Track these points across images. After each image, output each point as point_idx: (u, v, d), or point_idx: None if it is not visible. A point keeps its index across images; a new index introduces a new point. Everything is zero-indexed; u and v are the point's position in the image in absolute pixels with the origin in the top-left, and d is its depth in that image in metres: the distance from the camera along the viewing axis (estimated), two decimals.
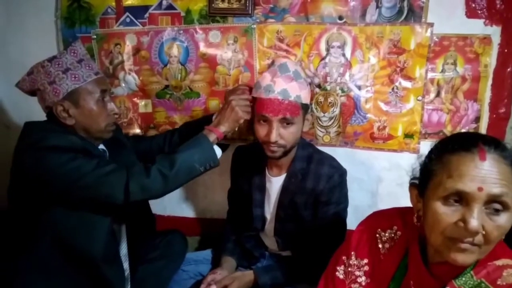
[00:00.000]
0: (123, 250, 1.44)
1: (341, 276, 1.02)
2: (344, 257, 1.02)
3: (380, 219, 1.01)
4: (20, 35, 1.95)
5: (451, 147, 0.81)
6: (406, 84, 1.68)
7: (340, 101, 1.74)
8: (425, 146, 1.67)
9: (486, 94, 1.65)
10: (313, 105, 1.76)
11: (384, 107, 1.72)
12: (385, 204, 1.70)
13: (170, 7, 1.81)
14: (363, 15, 1.67)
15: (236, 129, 1.50)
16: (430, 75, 1.66)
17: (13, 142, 1.28)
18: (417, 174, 0.90)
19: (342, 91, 1.73)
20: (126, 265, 1.44)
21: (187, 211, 2.07)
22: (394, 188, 1.78)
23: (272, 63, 1.39)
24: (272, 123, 1.30)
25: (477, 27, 1.59)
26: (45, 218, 1.25)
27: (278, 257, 1.61)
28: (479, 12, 1.58)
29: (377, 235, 0.99)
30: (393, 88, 1.69)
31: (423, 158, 0.89)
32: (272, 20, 1.74)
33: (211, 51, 1.81)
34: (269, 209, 1.52)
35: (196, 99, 1.88)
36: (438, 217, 0.79)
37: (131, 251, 1.47)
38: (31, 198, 1.23)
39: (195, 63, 1.83)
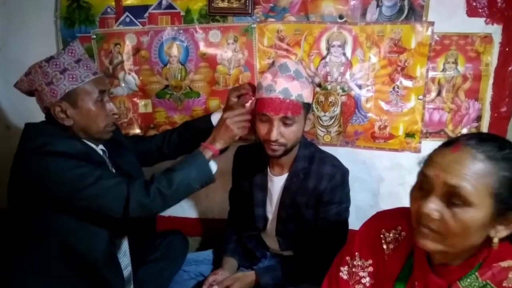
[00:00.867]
0: (124, 251, 1.43)
1: (345, 277, 1.01)
2: (348, 258, 1.02)
3: (384, 219, 1.01)
4: (19, 35, 1.94)
5: (439, 146, 0.84)
6: (407, 83, 1.68)
7: (340, 101, 1.74)
8: (426, 145, 1.70)
9: (487, 93, 1.65)
10: (313, 105, 1.75)
11: (385, 106, 1.72)
12: (386, 204, 1.71)
13: (169, 6, 1.80)
14: (364, 14, 1.67)
15: None
16: (431, 74, 1.66)
17: (13, 143, 1.27)
18: None
19: (343, 90, 1.73)
20: (127, 267, 1.43)
21: (188, 212, 2.06)
22: (395, 188, 1.78)
23: (273, 63, 1.39)
24: (273, 121, 1.30)
25: (478, 25, 1.59)
26: (45, 221, 1.24)
27: (279, 257, 1.61)
28: (480, 10, 1.58)
29: (381, 236, 0.98)
30: (394, 87, 1.69)
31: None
32: (272, 20, 1.74)
33: (211, 50, 1.80)
34: (271, 209, 1.52)
35: (196, 98, 1.87)
36: (411, 201, 0.85)
37: (132, 252, 1.46)
38: (32, 201, 1.23)
39: (195, 63, 1.82)
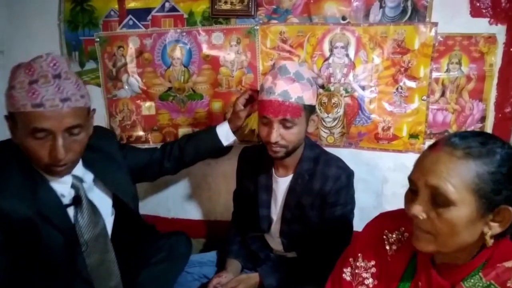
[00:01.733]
0: None
1: (348, 278, 1.01)
2: (351, 259, 1.02)
3: (387, 220, 1.00)
4: (23, 38, 1.95)
5: (425, 149, 0.86)
6: (411, 84, 1.67)
7: (344, 102, 1.74)
8: None
9: (492, 94, 1.64)
10: (317, 106, 1.75)
11: (388, 107, 1.71)
12: (390, 205, 1.70)
13: (172, 9, 1.81)
14: (367, 15, 1.66)
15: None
16: (435, 74, 1.65)
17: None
18: None
19: (346, 91, 1.73)
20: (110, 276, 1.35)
21: (191, 213, 2.06)
22: (399, 189, 1.76)
23: (273, 66, 1.39)
24: (272, 123, 1.30)
25: (481, 26, 1.58)
26: None
27: (283, 258, 1.60)
28: (484, 11, 1.57)
29: (384, 237, 0.98)
30: (397, 88, 1.69)
31: None
32: (275, 21, 1.74)
33: (214, 52, 1.81)
34: (275, 210, 1.52)
35: (199, 101, 1.88)
36: (404, 204, 0.87)
37: (126, 258, 1.39)
38: None
39: (198, 65, 1.83)
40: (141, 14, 1.83)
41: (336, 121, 1.77)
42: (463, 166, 0.75)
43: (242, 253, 1.60)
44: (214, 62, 1.82)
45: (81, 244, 1.21)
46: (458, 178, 0.75)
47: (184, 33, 1.81)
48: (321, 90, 1.74)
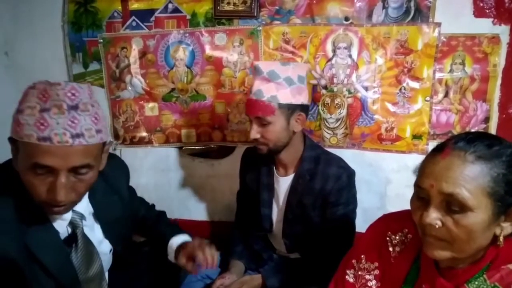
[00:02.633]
0: None
1: (351, 280, 1.01)
2: (354, 261, 1.01)
3: (390, 222, 1.00)
4: (27, 40, 1.96)
5: (429, 154, 0.83)
6: (414, 84, 1.67)
7: (347, 103, 1.74)
8: None
9: (495, 94, 1.63)
10: (319, 107, 1.75)
11: (391, 108, 1.71)
12: (394, 206, 1.69)
13: (175, 10, 1.81)
14: (370, 15, 1.66)
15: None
16: (438, 75, 1.65)
17: None
18: None
19: (349, 92, 1.72)
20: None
21: (194, 214, 2.06)
22: (402, 190, 1.76)
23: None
24: (252, 122, 1.37)
25: (485, 26, 1.58)
26: None
27: (286, 259, 1.60)
28: (487, 11, 1.57)
29: (388, 238, 0.97)
30: (400, 89, 1.68)
31: None
32: (278, 22, 1.74)
33: (217, 53, 1.81)
34: (277, 209, 1.52)
35: (202, 101, 1.88)
36: (412, 212, 0.84)
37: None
38: None
39: (201, 66, 1.83)
40: (144, 15, 1.84)
41: (339, 122, 1.76)
42: (477, 170, 0.74)
43: (245, 254, 1.60)
44: (217, 63, 1.82)
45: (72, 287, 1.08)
46: (474, 182, 0.73)
47: (187, 34, 1.81)
48: (324, 91, 1.74)
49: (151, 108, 1.94)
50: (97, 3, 1.86)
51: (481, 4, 1.57)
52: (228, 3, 1.75)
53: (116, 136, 1.98)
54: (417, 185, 0.81)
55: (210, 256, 1.17)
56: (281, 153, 1.42)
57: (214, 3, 1.76)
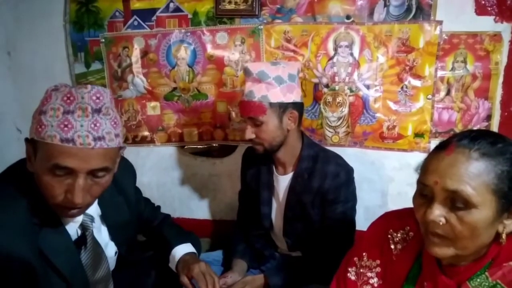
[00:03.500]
0: None
1: (353, 278, 1.01)
2: (355, 258, 1.01)
3: (392, 219, 1.00)
4: (29, 39, 1.97)
5: (432, 151, 0.83)
6: (416, 82, 1.67)
7: (348, 101, 1.74)
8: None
9: (497, 92, 1.63)
10: (321, 105, 1.76)
11: (393, 106, 1.71)
12: (396, 204, 1.69)
13: (177, 9, 1.81)
14: (371, 14, 1.66)
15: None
16: (440, 73, 1.65)
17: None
18: None
19: (351, 90, 1.72)
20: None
21: (196, 213, 2.07)
22: (404, 188, 1.76)
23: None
24: (246, 122, 1.39)
25: (487, 24, 1.58)
26: None
27: (288, 257, 1.61)
28: (489, 8, 1.57)
29: (389, 236, 0.97)
30: (402, 87, 1.68)
31: None
32: (279, 21, 1.74)
33: (218, 52, 1.81)
34: (277, 208, 1.53)
35: (204, 100, 1.88)
36: (415, 209, 0.83)
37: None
38: None
39: (202, 65, 1.84)
40: (146, 14, 1.84)
41: (340, 120, 1.76)
42: (482, 167, 0.74)
43: (247, 253, 1.60)
44: (218, 62, 1.82)
45: None
46: (479, 179, 0.74)
47: (189, 33, 1.81)
48: (325, 89, 1.74)
49: (153, 107, 1.94)
50: (98, 2, 1.87)
51: (483, 2, 1.57)
52: (230, 2, 1.75)
53: None
54: (420, 182, 0.81)
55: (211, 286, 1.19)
56: (278, 152, 1.43)
57: (215, 2, 1.76)
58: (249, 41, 1.78)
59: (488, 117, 1.66)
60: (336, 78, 1.72)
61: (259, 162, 1.54)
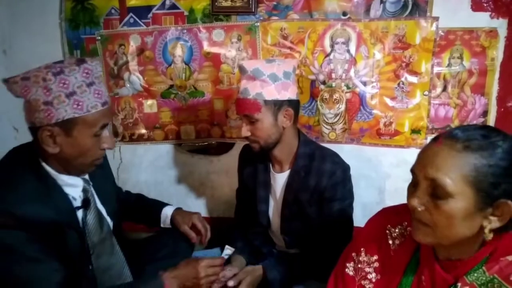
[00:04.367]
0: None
1: (351, 273, 1.01)
2: (353, 254, 1.02)
3: (389, 215, 1.01)
4: (25, 37, 1.96)
5: (430, 141, 0.86)
6: (412, 79, 1.67)
7: (345, 98, 1.74)
8: None
9: (494, 88, 1.64)
10: (318, 102, 1.76)
11: (390, 102, 1.71)
12: (393, 200, 1.68)
13: (173, 6, 1.81)
14: (367, 10, 1.66)
15: None
16: (436, 69, 1.65)
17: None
18: None
19: (347, 87, 1.73)
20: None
21: (194, 210, 2.06)
22: (402, 184, 1.73)
23: None
24: (242, 120, 1.39)
25: (483, 20, 1.58)
26: None
27: (286, 254, 1.61)
28: (485, 5, 1.57)
29: (387, 231, 0.98)
30: (399, 84, 1.69)
31: None
32: (276, 18, 1.74)
33: (215, 50, 1.81)
34: (274, 206, 1.53)
35: (201, 98, 1.88)
36: (406, 197, 0.87)
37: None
38: None
39: (199, 62, 1.83)
40: (142, 12, 1.84)
41: (337, 117, 1.77)
42: (461, 159, 0.76)
43: (246, 250, 1.60)
44: (215, 59, 1.82)
45: (89, 247, 1.21)
46: (456, 170, 0.76)
47: (185, 31, 1.81)
48: (322, 86, 1.74)
49: (149, 105, 1.94)
50: (94, 0, 1.86)
51: None
52: None
53: (115, 133, 1.97)
54: (411, 170, 0.85)
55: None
56: (275, 150, 1.43)
57: None
58: (245, 38, 1.77)
59: (485, 113, 1.67)
60: (333, 75, 1.73)
61: (256, 160, 1.54)
